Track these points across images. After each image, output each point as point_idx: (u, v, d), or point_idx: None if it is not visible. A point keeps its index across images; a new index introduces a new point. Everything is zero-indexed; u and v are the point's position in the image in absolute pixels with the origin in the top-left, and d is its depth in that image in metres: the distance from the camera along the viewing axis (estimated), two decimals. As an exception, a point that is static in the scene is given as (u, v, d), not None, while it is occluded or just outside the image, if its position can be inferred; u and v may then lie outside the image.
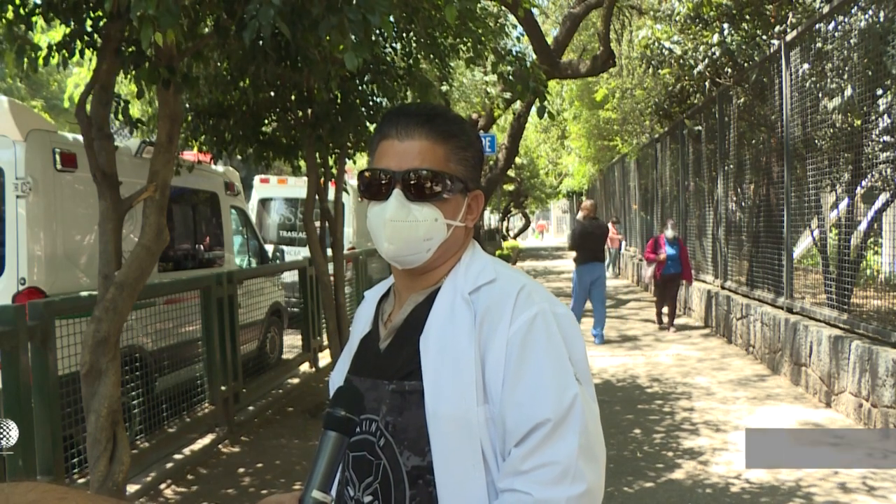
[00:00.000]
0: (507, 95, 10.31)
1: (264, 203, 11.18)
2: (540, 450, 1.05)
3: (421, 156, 1.17)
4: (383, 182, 1.18)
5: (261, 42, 4.04)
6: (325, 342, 7.54)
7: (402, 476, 1.12)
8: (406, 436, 1.13)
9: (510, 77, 4.52)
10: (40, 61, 3.49)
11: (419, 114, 1.20)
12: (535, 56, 10.29)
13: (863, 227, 6.44)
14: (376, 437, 1.15)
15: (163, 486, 4.41)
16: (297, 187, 10.23)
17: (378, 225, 1.19)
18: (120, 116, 3.72)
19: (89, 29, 3.42)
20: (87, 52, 3.50)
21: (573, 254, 9.38)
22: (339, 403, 1.04)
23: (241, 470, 4.74)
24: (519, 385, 1.08)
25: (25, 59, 3.46)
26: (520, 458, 1.06)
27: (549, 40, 11.68)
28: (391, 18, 2.88)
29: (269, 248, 8.82)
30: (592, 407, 1.12)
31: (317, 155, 6.13)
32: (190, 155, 6.36)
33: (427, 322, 1.17)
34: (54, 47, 3.43)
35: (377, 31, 4.20)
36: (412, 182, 1.16)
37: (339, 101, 5.72)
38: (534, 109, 13.57)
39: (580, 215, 9.46)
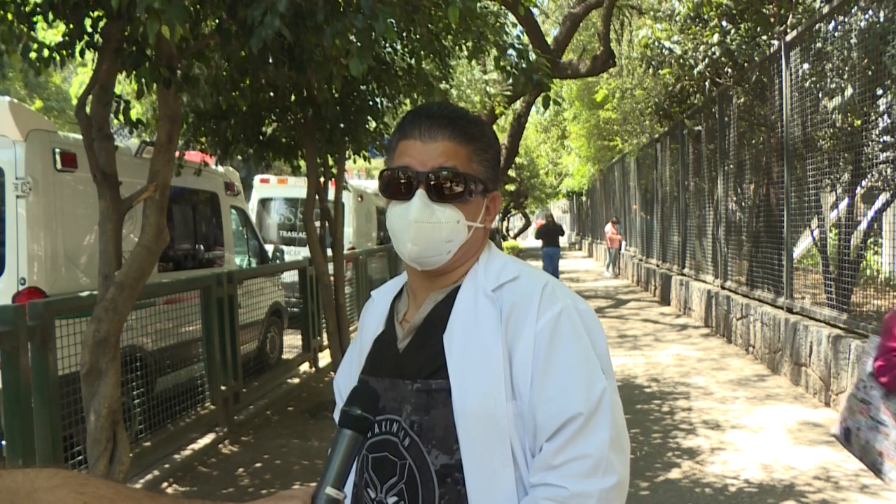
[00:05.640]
0: (508, 93, 10.31)
1: (264, 203, 11.19)
2: (572, 444, 1.06)
3: (444, 157, 1.17)
4: (404, 181, 1.17)
5: (264, 46, 4.03)
6: (325, 342, 7.54)
7: (430, 475, 1.12)
8: (433, 434, 1.12)
9: (514, 71, 4.46)
10: (41, 65, 3.49)
11: (442, 115, 1.19)
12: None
13: (863, 227, 6.44)
14: (399, 438, 1.15)
15: (163, 485, 4.42)
16: (297, 187, 10.23)
17: (401, 226, 1.18)
18: (120, 116, 3.72)
19: (89, 29, 3.42)
20: (88, 53, 3.50)
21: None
22: (354, 402, 1.04)
23: (241, 470, 4.75)
24: (548, 380, 1.09)
25: (24, 58, 3.46)
26: (552, 453, 1.06)
27: (549, 40, 11.69)
28: (391, 21, 2.87)
29: (269, 248, 8.82)
30: (617, 400, 1.14)
31: (317, 155, 6.13)
32: (195, 156, 6.35)
33: (450, 320, 1.17)
34: (54, 48, 3.43)
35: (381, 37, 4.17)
36: (436, 182, 1.16)
37: (339, 101, 5.72)
38: (534, 109, 13.60)
39: (544, 220, 16.01)
